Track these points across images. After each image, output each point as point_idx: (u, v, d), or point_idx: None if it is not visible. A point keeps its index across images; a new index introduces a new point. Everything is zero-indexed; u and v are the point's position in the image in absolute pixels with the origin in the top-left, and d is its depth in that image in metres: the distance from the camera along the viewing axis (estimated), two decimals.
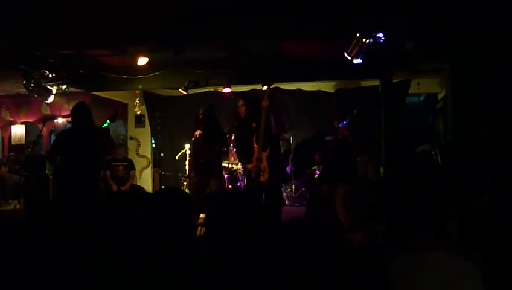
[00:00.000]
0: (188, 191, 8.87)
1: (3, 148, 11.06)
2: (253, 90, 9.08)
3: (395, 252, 2.09)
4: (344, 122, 6.09)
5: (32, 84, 7.36)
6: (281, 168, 7.29)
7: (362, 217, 5.07)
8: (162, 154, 9.10)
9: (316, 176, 7.87)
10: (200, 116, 6.88)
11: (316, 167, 7.66)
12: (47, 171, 8.07)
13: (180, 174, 9.46)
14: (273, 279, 1.90)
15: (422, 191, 2.32)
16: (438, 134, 8.73)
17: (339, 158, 6.21)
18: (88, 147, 6.03)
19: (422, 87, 8.89)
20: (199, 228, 6.72)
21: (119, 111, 7.67)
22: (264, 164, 6.26)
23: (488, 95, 6.57)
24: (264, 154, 6.24)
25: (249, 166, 6.34)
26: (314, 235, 1.94)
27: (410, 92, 8.91)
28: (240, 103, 6.66)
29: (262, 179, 6.25)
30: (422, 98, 9.62)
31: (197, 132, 6.83)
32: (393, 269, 2.02)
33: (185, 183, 9.33)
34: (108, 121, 6.60)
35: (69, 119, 9.81)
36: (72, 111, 6.32)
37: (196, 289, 2.17)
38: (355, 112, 6.10)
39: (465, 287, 1.99)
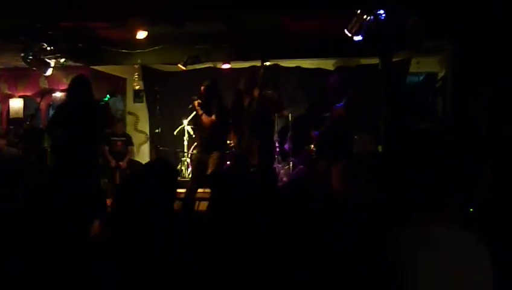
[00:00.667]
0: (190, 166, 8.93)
1: (1, 122, 11.03)
2: (252, 66, 9.05)
3: (395, 229, 2.08)
4: (340, 104, 6.09)
5: (30, 57, 7.31)
6: (270, 154, 7.36)
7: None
8: (157, 130, 9.10)
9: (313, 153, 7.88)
10: (202, 90, 6.89)
11: (312, 145, 7.66)
12: (45, 145, 8.07)
13: (178, 150, 9.47)
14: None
15: (422, 166, 2.31)
16: (436, 113, 8.73)
17: (335, 136, 6.23)
18: (88, 121, 6.02)
19: (422, 66, 8.87)
20: (196, 202, 6.76)
21: (120, 85, 7.64)
22: (254, 150, 6.41)
23: (488, 75, 6.55)
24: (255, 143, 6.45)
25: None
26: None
27: (410, 71, 8.89)
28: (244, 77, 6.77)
29: (252, 162, 6.41)
30: (422, 77, 9.60)
31: (196, 101, 6.84)
32: (394, 246, 2.01)
33: (183, 159, 9.35)
34: (108, 95, 6.57)
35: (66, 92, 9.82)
36: (71, 84, 6.29)
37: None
38: (351, 92, 6.09)
39: (473, 261, 1.97)
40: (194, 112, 7.22)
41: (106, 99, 6.48)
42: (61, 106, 6.80)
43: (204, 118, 6.78)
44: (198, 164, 7.04)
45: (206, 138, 6.91)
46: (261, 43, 7.63)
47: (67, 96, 6.56)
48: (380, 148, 6.76)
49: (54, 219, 2.47)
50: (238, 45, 7.69)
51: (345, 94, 6.07)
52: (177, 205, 6.66)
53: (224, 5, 5.80)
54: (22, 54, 7.33)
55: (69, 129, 6.05)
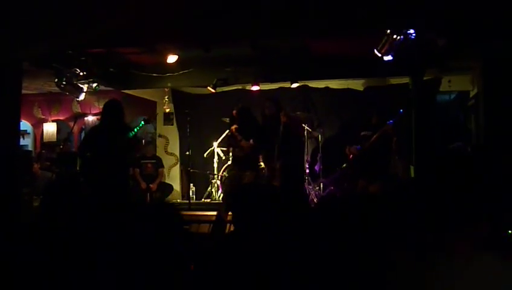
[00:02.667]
0: (220, 188, 8.95)
1: (35, 146, 11.26)
2: (280, 88, 9.06)
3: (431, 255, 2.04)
4: (391, 121, 6.14)
5: (64, 82, 7.46)
6: (295, 177, 7.43)
7: None
8: (187, 153, 9.19)
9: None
10: (235, 114, 6.98)
11: (345, 165, 7.59)
12: (78, 169, 8.18)
13: (208, 172, 9.49)
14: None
15: (458, 189, 2.26)
16: (469, 133, 8.57)
17: (378, 155, 6.24)
18: (118, 144, 6.08)
19: (454, 84, 8.74)
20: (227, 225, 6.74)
21: (153, 112, 7.76)
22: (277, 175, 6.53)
23: None
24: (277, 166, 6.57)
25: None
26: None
27: (441, 89, 8.77)
28: (266, 103, 6.82)
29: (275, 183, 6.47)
30: (453, 96, 9.46)
31: (233, 127, 6.94)
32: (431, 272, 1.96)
33: (213, 181, 9.35)
34: (142, 122, 6.62)
35: (98, 116, 9.97)
36: (105, 107, 6.37)
37: None
38: (402, 111, 6.15)
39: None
40: (225, 134, 7.30)
41: (140, 125, 6.52)
42: (93, 128, 6.90)
43: (244, 143, 6.88)
44: (232, 181, 7.10)
45: (241, 156, 6.96)
46: (288, 64, 7.66)
47: (100, 119, 6.65)
48: (412, 169, 6.66)
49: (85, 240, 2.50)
50: (266, 67, 7.72)
51: (395, 112, 6.14)
52: (208, 227, 6.70)
53: (250, 28, 5.84)
54: (56, 80, 7.49)
55: (99, 152, 6.11)
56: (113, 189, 5.87)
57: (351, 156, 6.95)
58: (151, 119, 7.41)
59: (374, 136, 6.51)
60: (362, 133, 6.66)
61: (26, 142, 11.13)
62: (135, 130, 6.38)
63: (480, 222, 2.39)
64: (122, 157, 6.21)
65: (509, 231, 3.41)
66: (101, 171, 6.01)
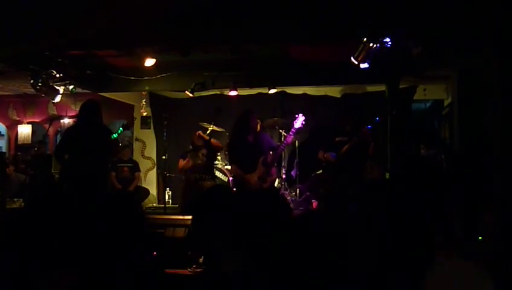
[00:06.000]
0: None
1: (9, 148, 11.10)
2: (259, 93, 9.09)
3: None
4: (369, 127, 6.23)
5: (39, 84, 7.38)
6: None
7: None
8: (164, 157, 9.15)
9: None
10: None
11: (320, 171, 7.65)
12: (53, 171, 8.10)
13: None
14: None
15: (428, 195, 2.31)
16: (443, 140, 8.71)
17: (353, 160, 6.32)
18: (97, 146, 6.02)
19: (429, 93, 8.88)
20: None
21: (133, 119, 7.75)
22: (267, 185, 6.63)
23: (494, 102, 6.55)
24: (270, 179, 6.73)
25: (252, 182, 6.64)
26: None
27: (416, 98, 8.90)
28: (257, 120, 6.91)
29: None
30: (428, 104, 9.61)
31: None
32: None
33: None
34: (121, 128, 6.59)
35: (75, 119, 9.88)
36: (83, 107, 6.30)
37: None
38: (378, 119, 6.25)
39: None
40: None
41: (119, 132, 6.49)
42: (70, 130, 6.82)
43: (214, 141, 7.34)
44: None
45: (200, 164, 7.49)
46: (267, 70, 7.70)
47: (77, 120, 6.58)
48: (387, 175, 6.74)
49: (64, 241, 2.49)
50: (244, 72, 7.75)
51: (371, 119, 6.24)
52: (183, 231, 6.67)
53: (229, 34, 5.87)
54: (32, 81, 7.40)
55: (78, 154, 6.04)
56: (91, 190, 5.82)
57: (324, 162, 7.02)
58: (130, 125, 7.36)
59: (351, 141, 6.59)
60: (337, 139, 6.73)
61: (0, 144, 10.98)
62: (114, 135, 6.34)
63: (456, 230, 2.45)
64: (101, 159, 6.16)
65: (480, 237, 3.48)
66: (80, 173, 5.95)
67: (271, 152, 6.89)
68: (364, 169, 6.49)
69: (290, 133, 7.02)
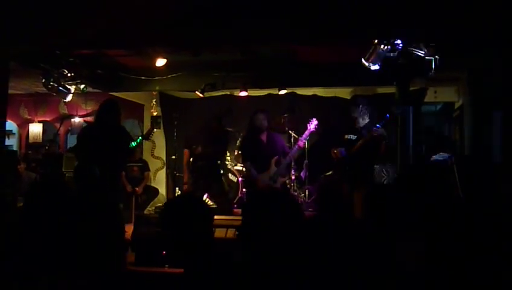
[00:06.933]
0: None
1: (20, 146, 11.18)
2: (269, 94, 9.09)
3: None
4: (378, 125, 6.21)
5: (51, 83, 7.43)
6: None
7: None
8: (173, 156, 9.14)
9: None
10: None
11: (330, 172, 7.62)
12: (63, 170, 8.15)
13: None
14: None
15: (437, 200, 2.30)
16: (454, 143, 8.66)
17: (363, 161, 6.29)
18: (112, 146, 6.05)
19: (439, 95, 8.83)
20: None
21: (153, 132, 7.82)
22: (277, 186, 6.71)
23: (506, 104, 6.52)
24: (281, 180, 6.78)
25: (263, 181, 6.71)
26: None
27: (426, 100, 8.82)
28: (262, 116, 6.87)
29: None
30: (439, 106, 9.56)
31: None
32: None
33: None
34: (140, 137, 6.67)
35: (86, 118, 9.94)
36: (101, 107, 6.35)
37: None
38: (388, 116, 6.21)
39: None
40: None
41: (138, 141, 6.56)
42: (86, 129, 6.85)
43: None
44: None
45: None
46: (277, 71, 7.69)
47: (94, 119, 6.62)
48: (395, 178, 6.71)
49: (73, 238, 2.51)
50: (254, 73, 7.76)
51: (383, 116, 6.21)
52: None
53: (239, 34, 5.87)
54: (43, 80, 7.45)
55: (93, 153, 6.07)
56: (103, 190, 5.85)
57: (336, 159, 6.97)
58: (148, 134, 7.49)
59: (361, 141, 6.55)
60: (346, 137, 6.71)
61: (11, 142, 11.06)
62: (133, 144, 6.39)
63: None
64: (116, 160, 6.19)
65: None
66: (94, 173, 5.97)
67: (284, 155, 6.96)
68: (374, 170, 6.44)
69: (303, 137, 7.05)
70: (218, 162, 8.63)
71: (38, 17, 5.69)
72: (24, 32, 5.83)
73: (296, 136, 8.28)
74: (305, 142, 7.30)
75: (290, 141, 8.47)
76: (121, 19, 5.65)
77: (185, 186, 8.35)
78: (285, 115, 8.73)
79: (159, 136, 10.48)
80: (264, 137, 6.99)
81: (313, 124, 7.14)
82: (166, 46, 6.67)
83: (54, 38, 6.03)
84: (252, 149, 7.04)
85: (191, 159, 8.86)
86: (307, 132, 7.11)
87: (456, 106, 8.88)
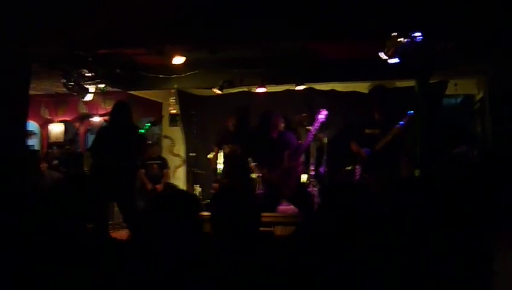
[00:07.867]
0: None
1: (42, 146, 11.31)
2: (286, 90, 9.07)
3: None
4: (402, 122, 6.18)
5: (71, 83, 7.51)
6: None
7: None
8: (192, 154, 9.13)
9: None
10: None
11: (351, 167, 7.58)
12: (85, 169, 8.23)
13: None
14: None
15: (460, 192, 2.28)
16: (475, 136, 8.57)
17: (387, 158, 6.26)
18: (125, 144, 6.14)
19: (460, 88, 8.73)
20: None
21: (161, 115, 7.85)
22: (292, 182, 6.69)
23: None
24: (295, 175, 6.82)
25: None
26: None
27: (447, 93, 8.76)
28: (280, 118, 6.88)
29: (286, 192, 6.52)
30: (459, 99, 9.45)
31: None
32: None
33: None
34: (149, 124, 6.71)
35: (105, 117, 10.01)
36: (113, 108, 6.47)
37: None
38: (411, 114, 6.18)
39: None
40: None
41: (146, 127, 6.60)
42: (102, 129, 6.97)
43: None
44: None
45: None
46: (294, 67, 7.67)
47: (108, 120, 6.76)
48: (416, 172, 6.66)
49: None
50: (272, 69, 7.74)
51: (405, 113, 6.18)
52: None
53: (257, 31, 5.86)
54: (63, 81, 7.53)
55: (108, 152, 6.18)
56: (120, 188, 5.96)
57: (359, 157, 6.93)
58: (157, 121, 7.48)
59: (385, 139, 6.51)
60: (367, 131, 6.67)
61: (33, 142, 11.18)
62: (141, 131, 6.46)
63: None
64: (129, 157, 6.28)
65: None
66: (109, 172, 6.07)
67: (296, 148, 6.93)
68: (398, 167, 6.41)
69: (313, 128, 7.02)
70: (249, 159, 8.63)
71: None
72: (45, 34, 5.88)
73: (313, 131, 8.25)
74: (314, 133, 7.27)
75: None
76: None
77: (216, 185, 8.26)
78: (304, 114, 8.69)
79: (177, 134, 10.53)
80: (274, 134, 6.99)
81: (322, 114, 7.08)
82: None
83: (74, 39, 6.07)
84: (263, 147, 7.02)
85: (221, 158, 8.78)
86: (317, 123, 7.06)
87: (477, 98, 8.78)
